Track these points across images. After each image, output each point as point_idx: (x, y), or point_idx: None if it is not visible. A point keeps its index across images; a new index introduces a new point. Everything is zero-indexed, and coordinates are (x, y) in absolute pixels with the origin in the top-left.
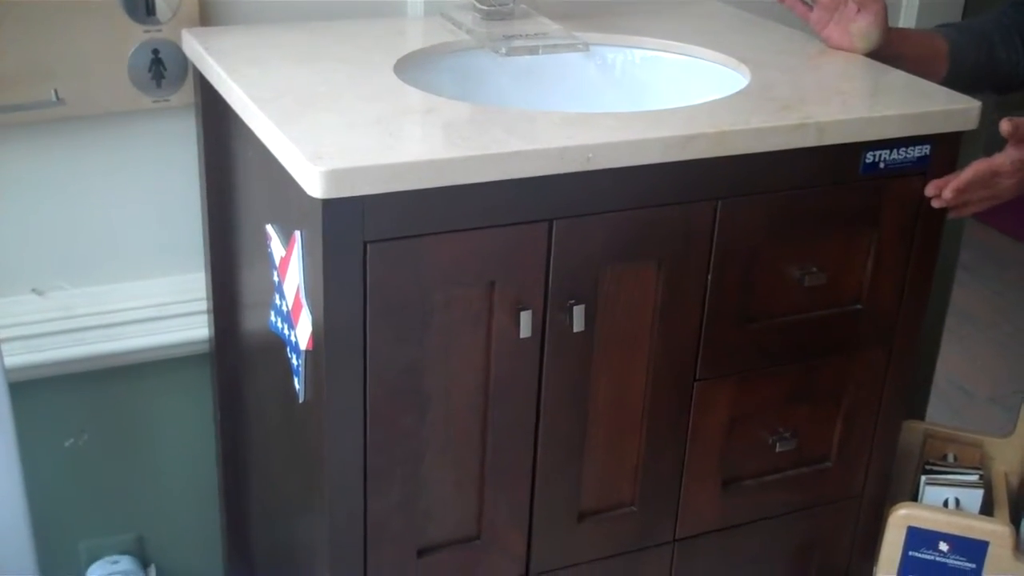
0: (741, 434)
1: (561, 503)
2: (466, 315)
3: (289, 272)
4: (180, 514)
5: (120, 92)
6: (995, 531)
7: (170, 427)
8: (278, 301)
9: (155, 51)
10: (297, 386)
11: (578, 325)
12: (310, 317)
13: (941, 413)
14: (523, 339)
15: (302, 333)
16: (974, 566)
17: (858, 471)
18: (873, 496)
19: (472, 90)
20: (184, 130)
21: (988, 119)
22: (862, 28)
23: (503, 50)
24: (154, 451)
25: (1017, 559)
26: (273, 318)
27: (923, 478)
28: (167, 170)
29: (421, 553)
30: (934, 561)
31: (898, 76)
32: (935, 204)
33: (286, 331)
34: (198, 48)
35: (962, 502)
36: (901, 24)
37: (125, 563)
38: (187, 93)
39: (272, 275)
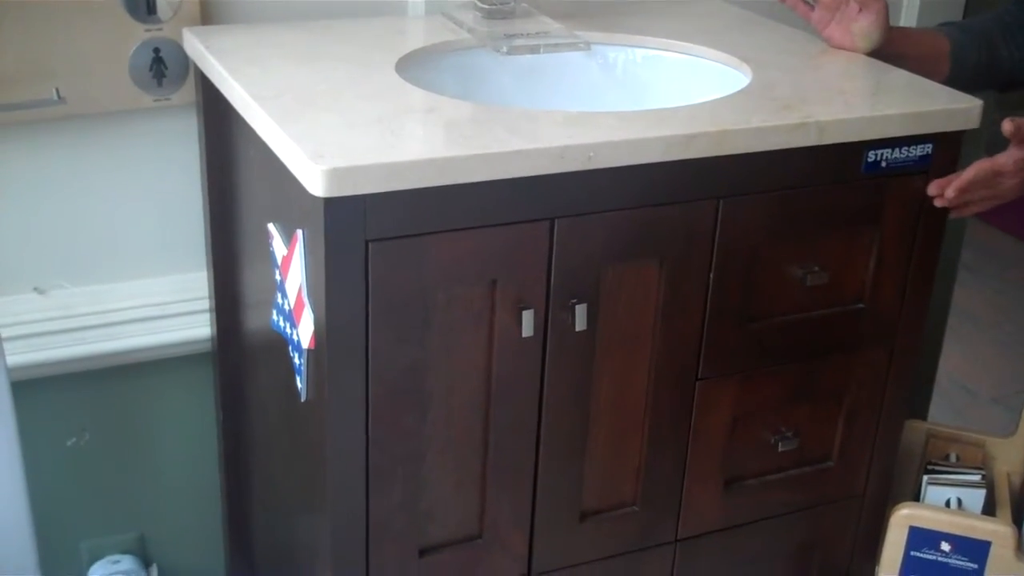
0: (743, 433)
1: (563, 503)
2: (468, 314)
3: (291, 271)
4: (182, 513)
5: (121, 91)
6: (997, 531)
7: (172, 426)
8: (280, 300)
9: (156, 50)
10: (299, 385)
11: (580, 324)
12: (312, 316)
13: (943, 413)
14: (525, 338)
15: (304, 332)
16: (976, 566)
17: (860, 471)
18: (875, 496)
19: (473, 89)
20: (185, 129)
21: (989, 118)
22: (863, 27)
23: (504, 49)
24: (156, 450)
25: (1019, 559)
26: (275, 317)
27: (925, 478)
28: (168, 169)
29: (423, 553)
30: (936, 561)
31: (899, 75)
32: (937, 204)
33: (288, 330)
34: (199, 47)
35: (964, 502)
36: (902, 23)
37: (126, 563)
38: (188, 92)
39: (274, 274)
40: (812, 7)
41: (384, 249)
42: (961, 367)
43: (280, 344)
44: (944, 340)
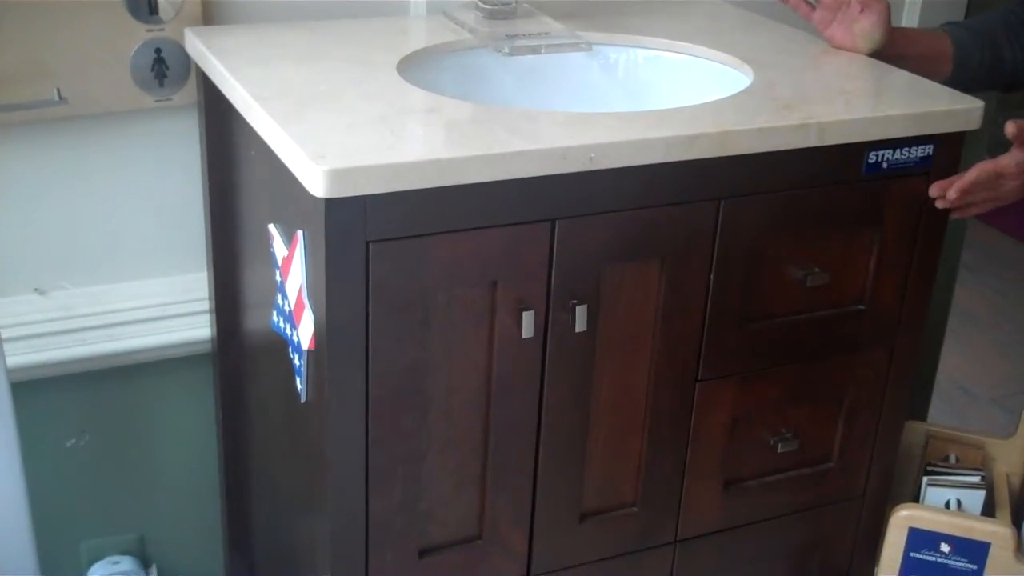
0: (743, 434)
1: (563, 503)
2: (468, 315)
3: (291, 272)
4: (181, 514)
5: (122, 91)
6: (996, 532)
7: (171, 427)
8: (280, 301)
9: (157, 50)
10: (299, 386)
11: (580, 325)
12: (312, 317)
13: (943, 414)
14: (525, 339)
15: (304, 333)
16: (975, 567)
17: (860, 472)
18: (874, 497)
19: (474, 89)
20: (186, 129)
21: (991, 119)
22: (865, 28)
23: (506, 49)
24: (155, 451)
25: (1018, 560)
26: (275, 318)
27: (925, 479)
28: (169, 169)
29: (422, 553)
30: (935, 562)
31: (901, 76)
32: (939, 205)
33: (288, 331)
34: (200, 47)
35: (964, 503)
36: (904, 23)
37: (126, 563)
38: (189, 92)
39: (274, 275)
40: (813, 7)
41: (385, 250)
42: (961, 368)
43: (280, 345)
44: (944, 341)
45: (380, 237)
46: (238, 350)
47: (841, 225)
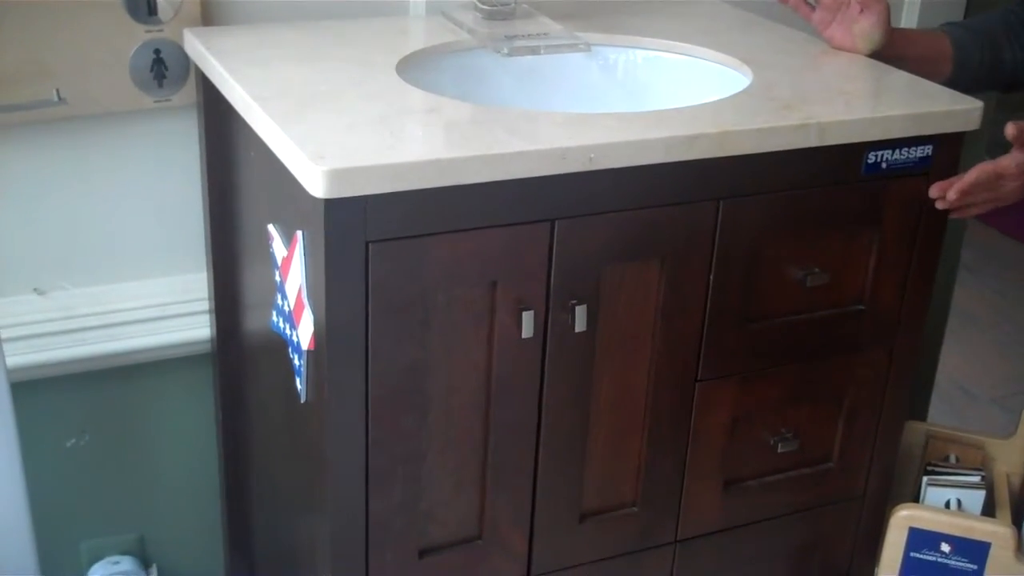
0: (743, 435)
1: (563, 503)
2: (468, 315)
3: (291, 272)
4: (181, 514)
5: (122, 92)
6: (997, 532)
7: (171, 427)
8: (280, 301)
9: (157, 51)
10: (299, 386)
11: (580, 325)
12: (312, 317)
13: (943, 414)
14: (525, 339)
15: (304, 333)
16: (976, 567)
17: (860, 472)
18: (875, 497)
19: (474, 90)
20: (186, 130)
21: (990, 119)
22: (865, 29)
23: (505, 50)
24: (155, 451)
25: (1019, 560)
26: (275, 318)
27: (925, 479)
28: (169, 170)
29: (422, 554)
30: (936, 562)
31: (900, 76)
32: (939, 206)
33: (288, 331)
34: (200, 48)
35: (964, 503)
36: (903, 23)
37: (126, 563)
38: (189, 93)
39: (274, 275)
40: (813, 8)
41: (384, 250)
42: (961, 368)
43: (280, 345)
44: (944, 341)
45: (380, 237)
46: (238, 350)
47: (841, 225)
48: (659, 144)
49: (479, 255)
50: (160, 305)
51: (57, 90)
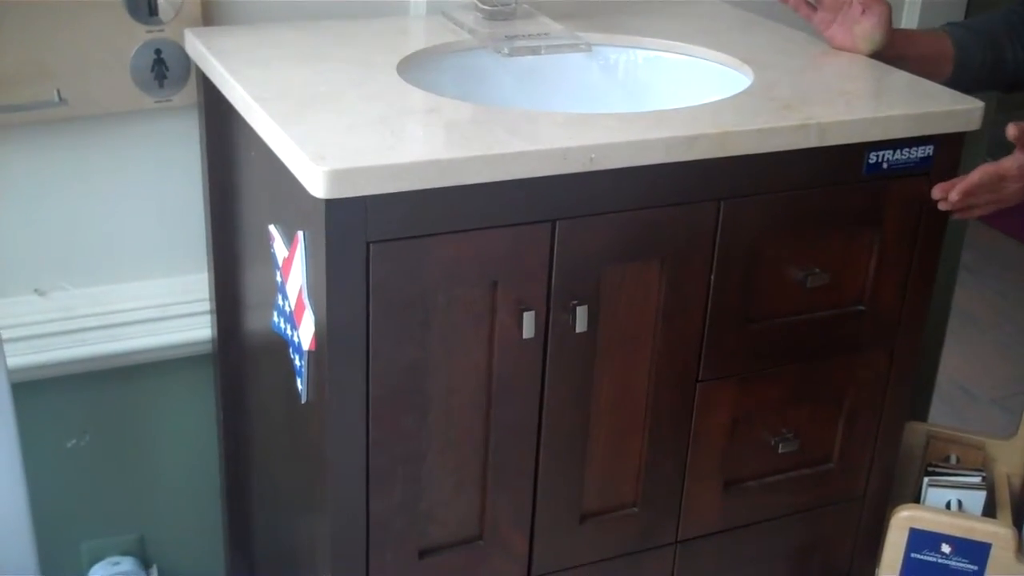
0: (743, 435)
1: (563, 504)
2: (468, 315)
3: (292, 272)
4: (182, 515)
5: (122, 92)
6: (997, 533)
7: (172, 428)
8: (281, 301)
9: (157, 51)
10: (299, 386)
11: (581, 325)
12: (313, 317)
13: (943, 414)
14: (526, 339)
15: (304, 333)
16: (976, 568)
17: (860, 472)
18: (875, 497)
19: (474, 90)
20: (186, 130)
21: (991, 120)
22: (866, 30)
23: (505, 50)
24: (156, 452)
25: (1019, 561)
26: (276, 318)
27: (925, 480)
28: (169, 170)
29: (423, 554)
30: (936, 563)
31: (901, 77)
32: (941, 207)
33: (288, 331)
34: (200, 48)
35: (964, 504)
36: (903, 23)
37: (127, 564)
38: (189, 93)
39: (275, 275)
40: (814, 8)
41: (385, 250)
42: (961, 369)
43: (281, 346)
44: (944, 342)
45: (380, 238)
46: (238, 351)
47: (841, 225)
48: (660, 144)
49: (480, 255)
50: (161, 306)
51: (58, 90)
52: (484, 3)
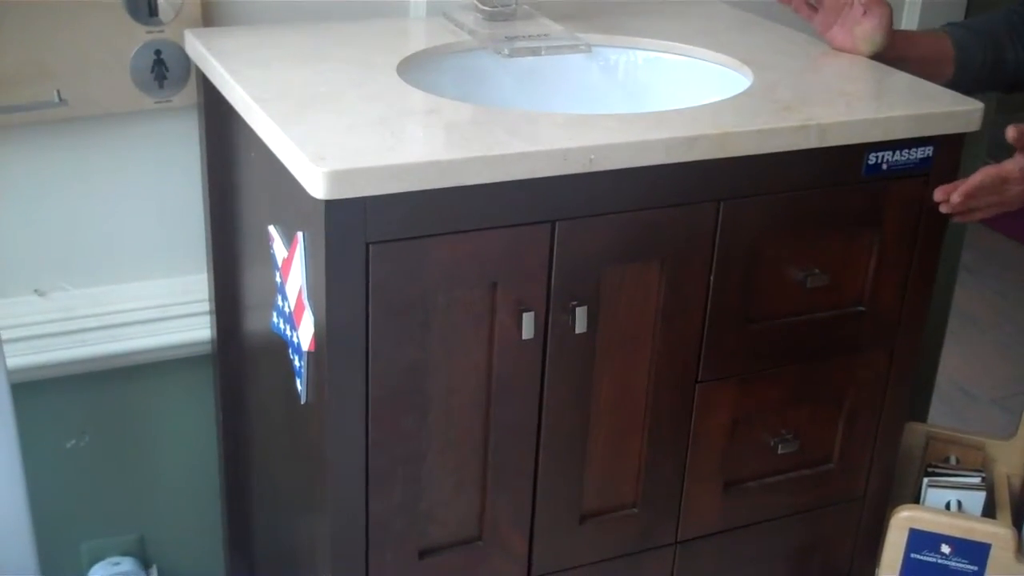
0: (743, 436)
1: (563, 504)
2: (468, 316)
3: (291, 273)
4: (182, 515)
5: (122, 93)
6: (997, 533)
7: (172, 428)
8: (280, 302)
9: (157, 52)
10: (299, 387)
11: (580, 326)
12: (312, 318)
13: (943, 415)
14: (525, 340)
15: (304, 334)
16: (976, 568)
17: (860, 473)
18: (875, 498)
19: (474, 91)
20: (186, 131)
21: (990, 121)
22: (867, 31)
23: (505, 51)
24: (156, 452)
25: (1019, 561)
26: (275, 319)
27: (925, 480)
28: (169, 171)
29: (423, 554)
30: (936, 563)
31: (901, 78)
32: (943, 209)
33: (288, 332)
34: (200, 49)
35: (964, 504)
36: (903, 23)
37: (127, 564)
38: (189, 94)
39: (274, 276)
40: (815, 9)
41: (384, 251)
42: (961, 369)
43: (280, 346)
44: (944, 342)
45: (380, 238)
46: (238, 351)
47: (841, 226)
48: (659, 145)
49: (479, 256)
50: (160, 306)
51: (58, 91)
52: (484, 4)
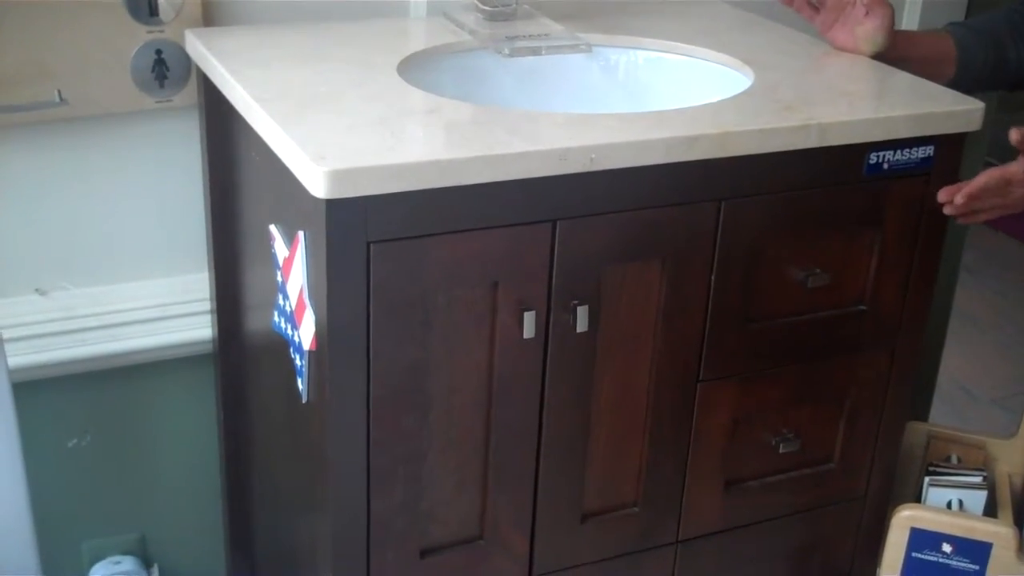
0: (744, 435)
1: (564, 504)
2: (469, 315)
3: (292, 272)
4: (183, 514)
5: (123, 93)
6: (998, 532)
7: (173, 427)
8: (281, 301)
9: (158, 51)
10: (300, 386)
11: (581, 326)
12: (313, 317)
13: (944, 414)
14: (526, 339)
15: (305, 333)
16: (977, 567)
17: (861, 472)
18: (876, 497)
19: (474, 91)
20: (187, 131)
21: (991, 120)
22: (868, 31)
23: (506, 51)
24: (157, 451)
25: (1020, 560)
26: (276, 318)
27: (926, 479)
28: (170, 171)
29: (424, 554)
30: (937, 562)
31: (902, 77)
32: (946, 211)
33: (289, 331)
34: (201, 49)
35: (965, 503)
36: (904, 23)
37: (128, 563)
38: (190, 94)
39: (275, 275)
40: (816, 9)
41: (385, 251)
42: (962, 369)
43: (281, 345)
44: (945, 342)
45: (381, 238)
46: (239, 351)
47: (842, 226)
48: (660, 145)
49: (480, 256)
50: (161, 305)
51: (58, 91)
52: (485, 4)
